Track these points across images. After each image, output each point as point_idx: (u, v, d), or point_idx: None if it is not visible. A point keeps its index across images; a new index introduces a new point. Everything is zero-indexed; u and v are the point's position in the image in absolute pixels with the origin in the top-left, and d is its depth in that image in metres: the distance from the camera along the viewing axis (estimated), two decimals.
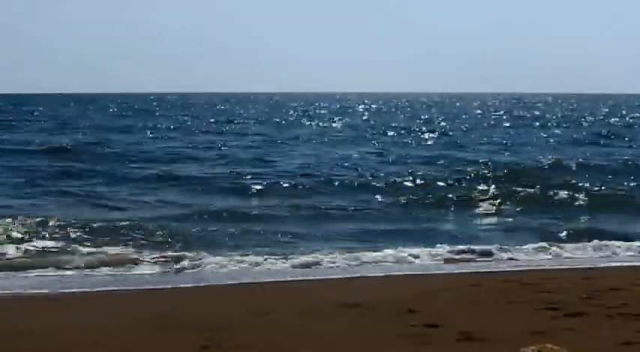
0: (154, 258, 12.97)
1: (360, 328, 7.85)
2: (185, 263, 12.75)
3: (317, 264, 12.86)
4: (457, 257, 13.45)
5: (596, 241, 14.73)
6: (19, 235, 14.32)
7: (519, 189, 21.31)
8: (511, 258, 13.84)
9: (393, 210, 18.86)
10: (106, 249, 13.55)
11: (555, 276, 11.37)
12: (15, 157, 28.53)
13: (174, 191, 21.37)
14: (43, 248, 13.46)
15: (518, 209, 19.25)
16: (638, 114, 76.08)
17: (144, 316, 8.56)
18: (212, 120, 61.59)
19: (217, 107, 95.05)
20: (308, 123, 58.63)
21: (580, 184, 22.23)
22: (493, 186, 21.74)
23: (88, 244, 13.92)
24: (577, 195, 20.56)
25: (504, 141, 40.02)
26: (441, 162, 29.25)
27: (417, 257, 13.45)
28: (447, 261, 13.29)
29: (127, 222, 15.76)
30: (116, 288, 11.06)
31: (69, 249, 13.41)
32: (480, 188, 21.75)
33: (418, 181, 23.13)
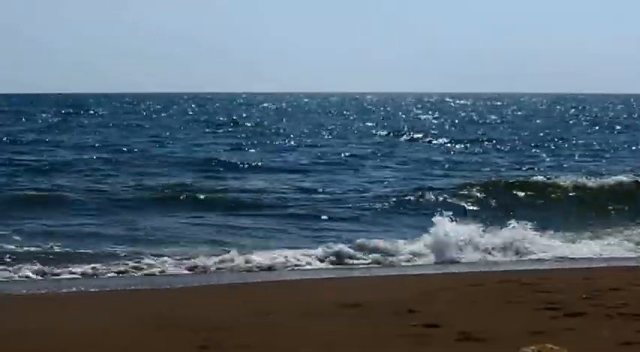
0: None
1: (360, 328, 7.84)
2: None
3: None
4: None
5: None
6: None
7: None
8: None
9: None
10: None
11: (555, 276, 11.37)
12: None
13: None
14: None
15: None
16: None
17: (142, 316, 8.54)
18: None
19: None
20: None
21: None
22: None
23: None
24: None
25: None
26: None
27: None
28: None
29: None
30: (114, 288, 11.06)
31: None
32: None
33: None
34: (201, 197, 19.82)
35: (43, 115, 64.81)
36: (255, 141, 39.02)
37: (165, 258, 12.84)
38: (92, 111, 75.46)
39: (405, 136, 44.08)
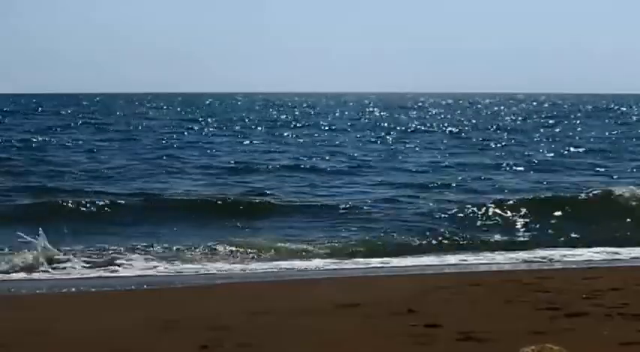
0: None
1: (360, 328, 7.84)
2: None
3: None
4: None
5: None
6: None
7: None
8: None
9: None
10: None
11: (555, 276, 11.36)
12: None
13: None
14: None
15: None
16: None
17: (143, 316, 8.55)
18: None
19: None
20: None
21: None
22: None
23: None
24: None
25: None
26: None
27: None
28: None
29: None
30: (115, 288, 11.07)
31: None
32: None
33: None
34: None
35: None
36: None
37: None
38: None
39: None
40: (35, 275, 11.96)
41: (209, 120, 61.28)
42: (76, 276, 12.04)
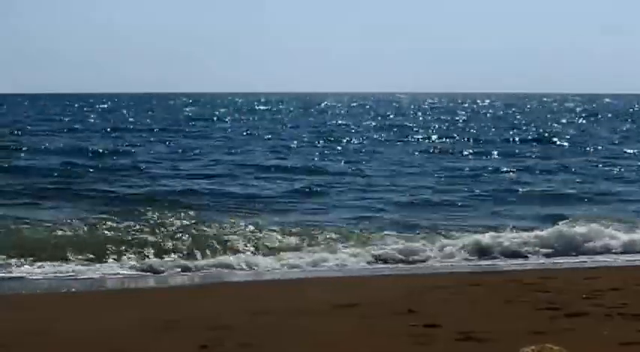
0: None
1: (360, 328, 7.84)
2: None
3: None
4: None
5: None
6: None
7: None
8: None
9: None
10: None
11: (555, 276, 11.37)
12: None
13: None
14: None
15: None
16: None
17: (143, 316, 8.55)
18: None
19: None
20: None
21: None
22: None
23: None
24: None
25: None
26: None
27: None
28: None
29: None
30: (116, 288, 11.07)
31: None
32: None
33: None
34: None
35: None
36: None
37: None
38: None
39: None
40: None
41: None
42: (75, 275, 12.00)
